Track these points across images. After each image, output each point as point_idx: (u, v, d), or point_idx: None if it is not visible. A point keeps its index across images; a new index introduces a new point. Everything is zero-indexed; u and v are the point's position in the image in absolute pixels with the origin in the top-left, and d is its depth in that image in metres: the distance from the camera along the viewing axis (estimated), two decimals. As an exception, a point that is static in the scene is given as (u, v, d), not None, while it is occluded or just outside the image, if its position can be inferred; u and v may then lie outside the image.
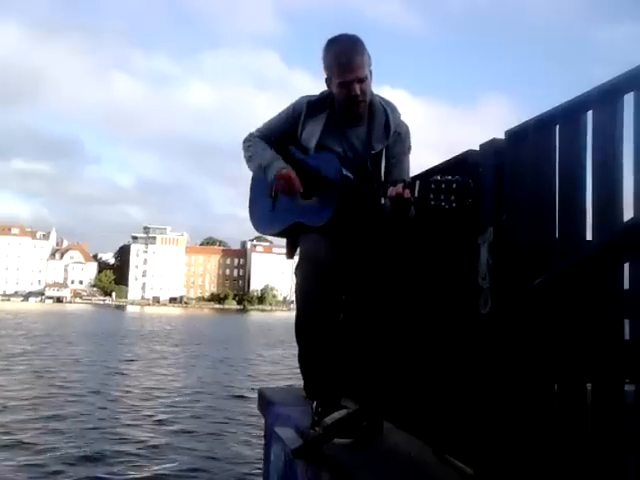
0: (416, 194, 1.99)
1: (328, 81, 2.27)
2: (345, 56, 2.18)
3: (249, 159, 2.45)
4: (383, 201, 2.15)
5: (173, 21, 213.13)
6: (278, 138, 2.42)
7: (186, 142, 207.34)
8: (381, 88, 2.37)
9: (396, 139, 2.29)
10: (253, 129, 2.50)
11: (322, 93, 2.35)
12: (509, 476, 1.55)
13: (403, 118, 2.36)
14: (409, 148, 2.35)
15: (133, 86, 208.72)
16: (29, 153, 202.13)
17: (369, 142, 2.28)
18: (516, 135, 1.65)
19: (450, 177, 1.91)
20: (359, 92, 2.19)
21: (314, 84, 2.36)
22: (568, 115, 1.47)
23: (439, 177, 1.94)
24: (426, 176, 2.09)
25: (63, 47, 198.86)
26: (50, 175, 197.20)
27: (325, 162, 2.28)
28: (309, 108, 2.32)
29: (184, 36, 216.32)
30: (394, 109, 2.34)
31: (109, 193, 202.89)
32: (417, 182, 2.01)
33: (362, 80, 2.19)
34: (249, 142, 2.47)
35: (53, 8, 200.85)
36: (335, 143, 2.31)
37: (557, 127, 1.50)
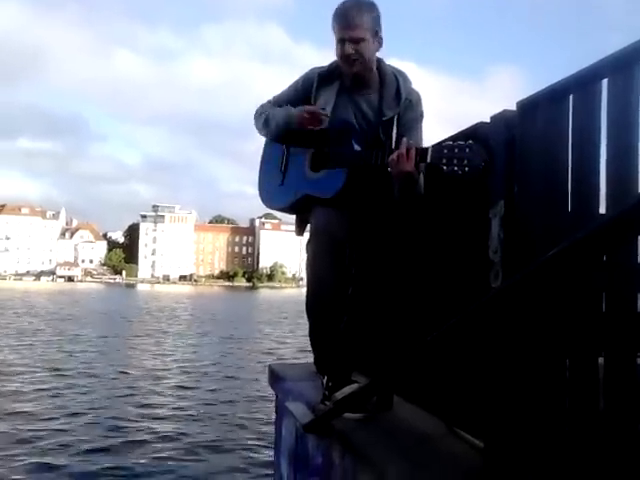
0: (428, 160, 1.97)
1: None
2: (343, 14, 2.18)
3: (265, 123, 2.42)
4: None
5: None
6: None
7: (192, 119, 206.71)
8: (389, 60, 2.36)
9: (407, 106, 2.27)
10: (264, 101, 2.49)
11: (331, 64, 2.33)
12: (520, 450, 1.56)
13: (414, 86, 2.34)
14: (421, 115, 2.33)
15: (136, 61, 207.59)
16: (34, 132, 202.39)
17: (380, 109, 2.27)
18: (528, 106, 1.61)
19: (463, 142, 1.89)
20: (352, 51, 2.18)
21: (321, 58, 2.33)
22: (582, 84, 1.43)
23: (452, 142, 1.92)
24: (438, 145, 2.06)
25: (62, 21, 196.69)
26: (56, 154, 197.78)
27: (336, 134, 2.27)
28: (320, 79, 2.31)
29: (186, 8, 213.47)
30: (405, 77, 2.32)
31: (116, 171, 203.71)
32: (429, 149, 1.99)
33: (356, 40, 2.17)
34: (261, 110, 2.46)
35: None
36: (348, 113, 2.30)
37: (570, 97, 1.47)
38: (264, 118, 2.43)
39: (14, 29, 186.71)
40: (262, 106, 2.48)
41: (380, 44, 2.25)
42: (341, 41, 2.19)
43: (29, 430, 7.56)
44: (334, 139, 2.27)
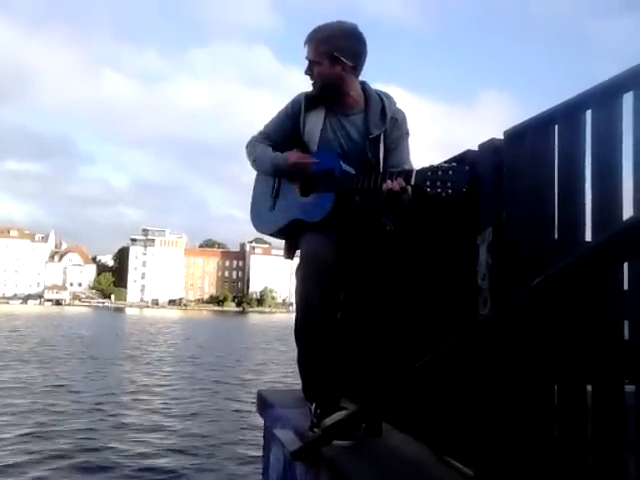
0: (412, 182, 2.00)
1: None
2: (307, 36, 2.33)
3: (253, 164, 2.51)
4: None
5: (162, 15, 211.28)
6: (280, 138, 2.43)
7: (180, 142, 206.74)
8: (374, 85, 2.41)
9: (393, 125, 2.33)
10: (255, 132, 2.52)
11: None
12: (509, 478, 1.55)
13: (399, 106, 2.39)
14: (407, 133, 2.38)
15: (123, 83, 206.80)
16: (21, 153, 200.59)
17: (366, 128, 2.31)
18: (515, 135, 1.64)
19: (446, 165, 1.92)
20: (309, 72, 2.32)
21: (310, 82, 2.38)
22: (567, 115, 1.46)
23: (435, 165, 1.95)
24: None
25: (50, 41, 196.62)
26: (44, 175, 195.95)
27: (324, 158, 2.30)
28: (308, 102, 2.36)
29: (174, 31, 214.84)
30: (390, 98, 2.38)
31: (105, 194, 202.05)
32: (413, 171, 2.02)
33: (310, 62, 2.31)
34: (250, 147, 2.50)
35: (36, 1, 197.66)
36: (335, 135, 2.35)
37: (556, 127, 1.50)
38: (253, 158, 2.49)
39: (1, 49, 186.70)
40: (253, 140, 2.51)
41: (345, 69, 2.28)
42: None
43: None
44: (322, 162, 2.30)
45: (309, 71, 2.32)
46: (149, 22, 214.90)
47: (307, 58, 2.31)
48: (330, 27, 2.30)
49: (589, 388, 1.37)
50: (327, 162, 2.29)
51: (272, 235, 2.56)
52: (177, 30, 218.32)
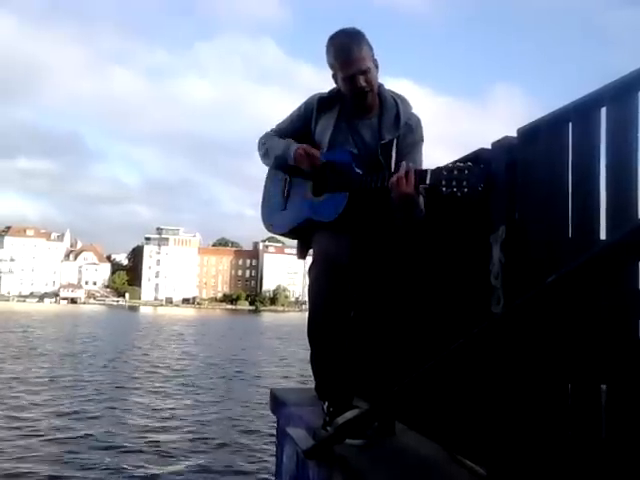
0: (427, 182, 1.99)
1: (334, 77, 2.31)
2: (344, 50, 2.21)
3: (265, 154, 2.48)
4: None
5: (169, 11, 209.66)
6: (292, 137, 2.43)
7: (190, 138, 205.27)
8: (383, 78, 2.37)
9: (407, 130, 2.30)
10: (268, 129, 2.53)
11: (332, 90, 2.37)
12: (522, 477, 1.54)
13: (414, 110, 2.37)
14: (421, 139, 2.36)
15: (132, 79, 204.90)
16: (32, 151, 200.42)
17: (379, 132, 2.29)
18: (528, 133, 1.63)
19: (462, 164, 1.91)
20: (364, 84, 2.23)
21: (319, 77, 2.36)
22: (581, 112, 1.45)
23: (450, 164, 1.94)
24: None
25: (59, 38, 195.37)
26: (55, 173, 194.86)
27: (337, 159, 2.29)
28: (320, 104, 2.35)
29: (181, 27, 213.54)
30: (404, 101, 2.36)
31: (117, 192, 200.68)
32: (428, 171, 2.01)
33: (364, 72, 2.21)
34: (263, 140, 2.51)
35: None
36: (347, 137, 2.33)
37: (570, 125, 1.49)
38: (265, 149, 2.47)
39: (10, 46, 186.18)
40: (265, 136, 2.51)
41: (378, 69, 2.29)
42: (351, 77, 2.21)
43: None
44: (334, 165, 2.29)
45: (364, 81, 2.21)
46: (156, 18, 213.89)
47: (360, 69, 2.20)
48: (356, 32, 2.25)
49: (604, 387, 1.36)
50: (340, 162, 2.28)
51: (284, 235, 2.55)
52: (184, 25, 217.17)
